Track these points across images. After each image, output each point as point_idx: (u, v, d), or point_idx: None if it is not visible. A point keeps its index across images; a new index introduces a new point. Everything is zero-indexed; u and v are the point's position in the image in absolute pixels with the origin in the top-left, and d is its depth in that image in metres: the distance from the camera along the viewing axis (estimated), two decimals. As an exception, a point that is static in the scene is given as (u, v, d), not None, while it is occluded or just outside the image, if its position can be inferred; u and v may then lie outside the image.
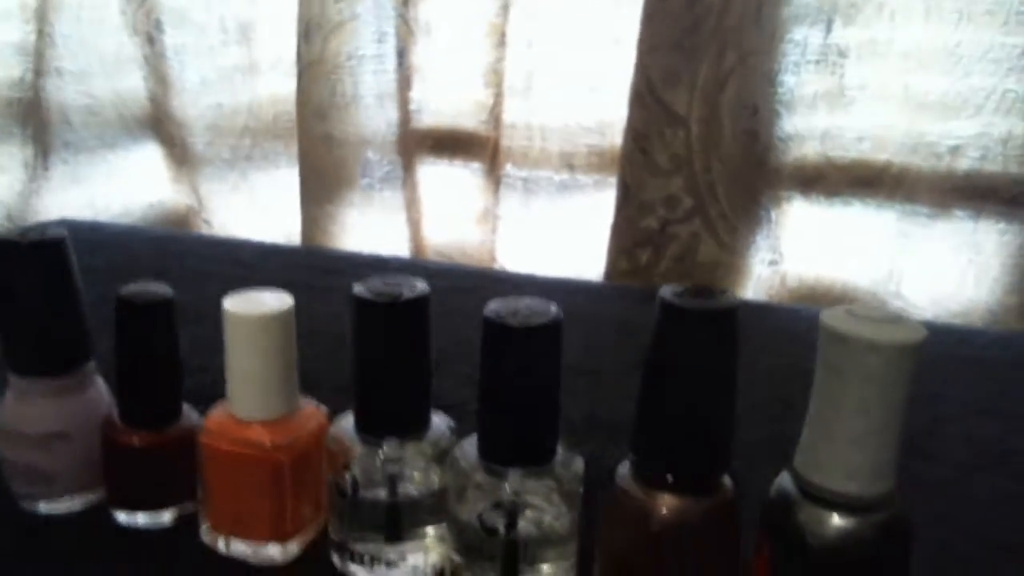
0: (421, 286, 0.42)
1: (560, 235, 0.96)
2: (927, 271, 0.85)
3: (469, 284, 0.85)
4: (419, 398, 0.43)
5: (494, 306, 0.40)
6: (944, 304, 0.86)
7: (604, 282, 0.92)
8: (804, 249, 0.90)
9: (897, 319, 0.37)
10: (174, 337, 0.46)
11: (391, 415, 0.43)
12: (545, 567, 0.42)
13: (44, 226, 0.47)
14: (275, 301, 0.44)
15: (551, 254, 0.97)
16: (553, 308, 0.40)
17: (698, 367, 0.38)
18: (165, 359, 0.46)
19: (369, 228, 0.97)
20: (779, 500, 0.39)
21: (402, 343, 0.42)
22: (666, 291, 0.39)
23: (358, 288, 0.42)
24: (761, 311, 0.84)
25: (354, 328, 0.42)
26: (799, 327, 0.79)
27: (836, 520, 0.37)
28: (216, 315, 0.76)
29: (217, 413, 0.45)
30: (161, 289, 0.46)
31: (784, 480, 0.40)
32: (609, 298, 0.85)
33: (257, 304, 0.43)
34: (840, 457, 0.37)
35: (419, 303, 0.41)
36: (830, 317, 0.37)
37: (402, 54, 0.93)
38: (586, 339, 0.74)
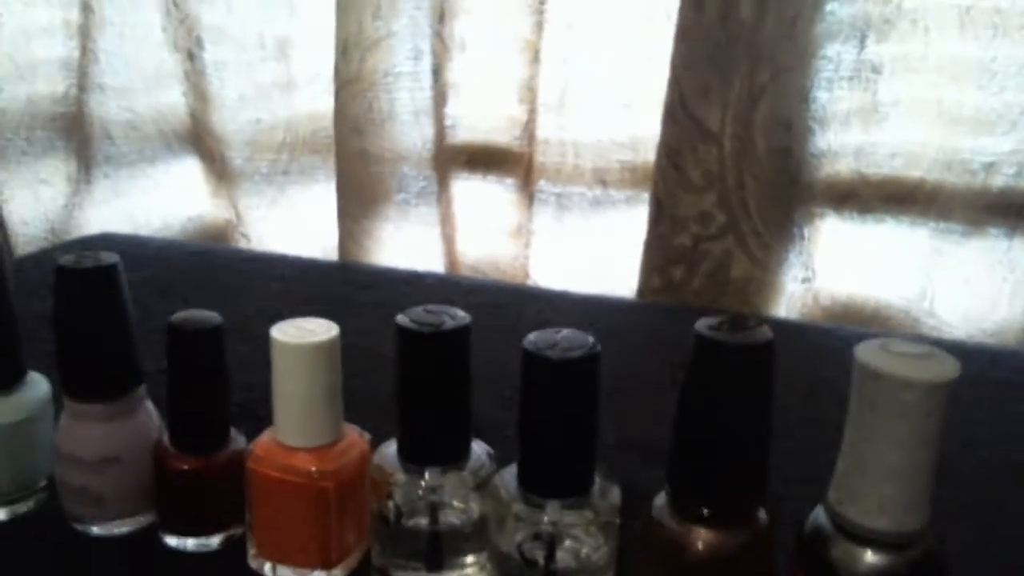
0: (462, 316, 0.43)
1: (593, 251, 0.97)
2: (961, 289, 0.85)
3: (502, 300, 0.86)
4: (460, 428, 0.44)
5: (533, 338, 0.41)
6: (977, 323, 0.85)
7: (637, 299, 0.93)
8: (837, 266, 0.90)
9: (931, 355, 0.38)
10: (223, 363, 0.47)
11: (433, 444, 0.44)
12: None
13: (97, 252, 0.49)
14: (322, 329, 0.45)
15: (584, 270, 0.98)
16: (590, 339, 0.41)
17: (734, 401, 0.39)
18: (214, 385, 0.48)
19: (404, 243, 0.99)
20: (813, 535, 0.40)
21: (444, 372, 0.43)
22: (702, 324, 0.40)
23: (401, 318, 0.43)
24: (794, 329, 0.85)
25: (397, 357, 0.43)
26: (832, 345, 0.79)
27: (870, 557, 0.38)
28: (256, 330, 0.78)
29: (264, 440, 0.46)
30: (210, 316, 0.47)
31: (818, 514, 0.40)
32: (642, 315, 0.86)
33: (305, 333, 0.45)
34: (874, 491, 0.38)
35: (461, 333, 0.43)
36: (864, 353, 0.37)
37: (437, 71, 0.94)
38: (619, 357, 0.75)
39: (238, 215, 1.10)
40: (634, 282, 0.93)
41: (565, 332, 0.42)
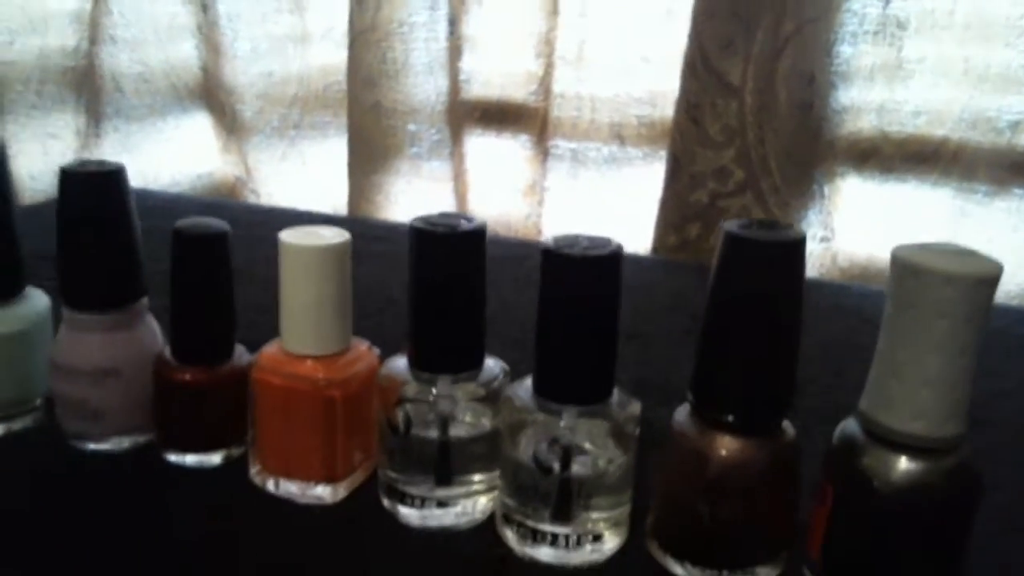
0: (478, 220, 0.42)
1: (608, 208, 0.95)
2: (984, 250, 0.83)
3: (514, 254, 0.84)
4: (473, 336, 0.43)
5: (553, 239, 0.39)
6: (1001, 285, 0.83)
7: (652, 256, 0.91)
8: (857, 226, 0.88)
9: (972, 253, 0.36)
10: (228, 271, 0.46)
11: (444, 351, 0.42)
12: (598, 513, 0.41)
13: (102, 159, 0.47)
14: (332, 234, 0.43)
15: (598, 228, 0.96)
16: (613, 241, 0.39)
17: (763, 300, 0.37)
18: (220, 292, 0.46)
19: (415, 199, 0.97)
20: (843, 444, 0.38)
21: (458, 275, 0.41)
22: (730, 224, 0.38)
23: (416, 220, 0.41)
24: (812, 287, 0.83)
25: (411, 261, 0.41)
26: (850, 302, 0.78)
27: (904, 464, 0.36)
28: (263, 274, 0.76)
29: (270, 349, 0.45)
30: (216, 222, 0.46)
31: (849, 425, 0.39)
32: (657, 271, 0.84)
33: (314, 236, 0.43)
34: (909, 396, 0.36)
35: (476, 235, 0.41)
36: (903, 250, 0.36)
37: (453, 23, 0.92)
38: (634, 307, 0.73)
39: (248, 171, 1.08)
40: (649, 240, 0.91)
41: (587, 234, 0.40)
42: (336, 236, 0.43)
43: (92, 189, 0.46)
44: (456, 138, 0.97)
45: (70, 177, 0.45)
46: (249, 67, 1.03)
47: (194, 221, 0.46)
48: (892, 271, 0.36)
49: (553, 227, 0.99)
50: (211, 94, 1.08)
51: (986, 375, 0.63)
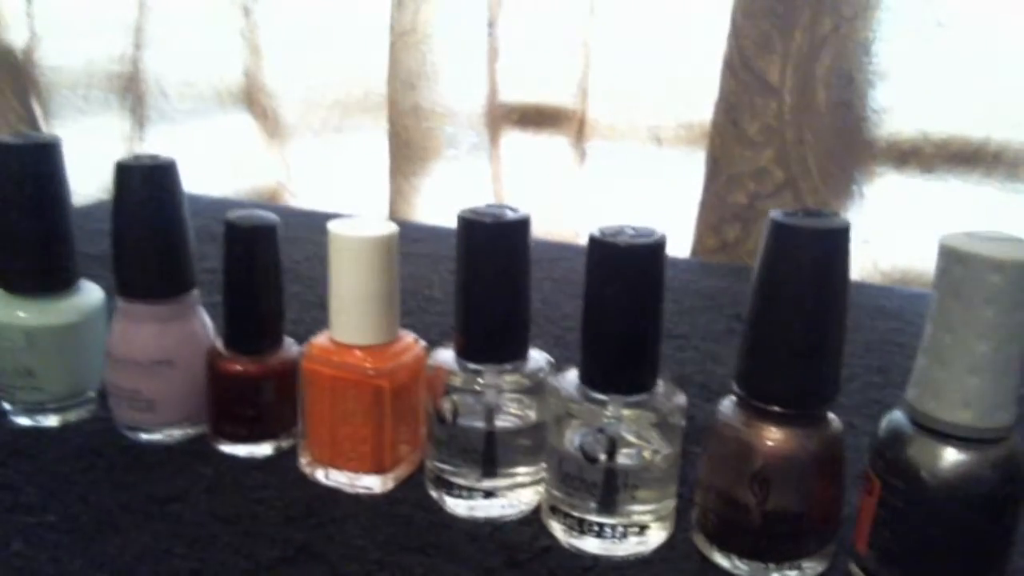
0: (523, 211, 0.42)
1: (646, 210, 0.95)
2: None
3: (553, 255, 0.85)
4: (518, 326, 0.43)
5: (599, 229, 0.40)
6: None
7: (691, 258, 0.91)
8: (897, 227, 0.87)
9: (1019, 240, 0.36)
10: (278, 262, 0.47)
11: (491, 341, 0.43)
12: (643, 505, 0.41)
13: (155, 154, 0.48)
14: (380, 226, 0.44)
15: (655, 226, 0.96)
16: (657, 231, 0.40)
17: (810, 288, 0.37)
18: (269, 283, 0.47)
19: (454, 201, 0.98)
20: (890, 435, 0.38)
21: (504, 264, 0.42)
22: (776, 213, 0.38)
23: (463, 211, 0.42)
24: (854, 289, 0.82)
25: (459, 250, 0.42)
26: (892, 304, 0.77)
27: (951, 454, 0.36)
28: (306, 273, 0.77)
29: (319, 339, 0.46)
30: (267, 215, 0.46)
31: (895, 416, 0.39)
32: (696, 272, 0.84)
33: (362, 228, 0.44)
34: (957, 385, 0.36)
35: (522, 225, 0.41)
36: (950, 238, 0.36)
37: (491, 24, 0.93)
38: (674, 307, 0.73)
39: (289, 173, 1.10)
40: (688, 242, 0.91)
41: (632, 224, 0.41)
42: (384, 227, 0.44)
43: (146, 182, 0.47)
44: (494, 140, 0.98)
45: (125, 170, 0.47)
46: (290, 71, 1.05)
47: (245, 213, 0.47)
48: (939, 259, 0.36)
49: (590, 229, 0.99)
50: (253, 98, 1.09)
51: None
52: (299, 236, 0.82)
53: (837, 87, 0.82)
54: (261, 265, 0.46)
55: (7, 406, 0.51)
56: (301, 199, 1.12)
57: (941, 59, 0.82)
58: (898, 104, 0.83)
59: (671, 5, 0.90)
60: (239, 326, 0.47)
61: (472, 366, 0.43)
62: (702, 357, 0.64)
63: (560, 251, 0.86)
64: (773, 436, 0.39)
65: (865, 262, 0.89)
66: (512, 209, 0.42)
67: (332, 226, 0.44)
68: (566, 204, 0.99)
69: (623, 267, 0.39)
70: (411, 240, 0.90)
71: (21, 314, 0.49)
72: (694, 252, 0.91)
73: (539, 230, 0.99)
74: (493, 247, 0.41)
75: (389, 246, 0.44)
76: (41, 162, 0.50)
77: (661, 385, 0.41)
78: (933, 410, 0.36)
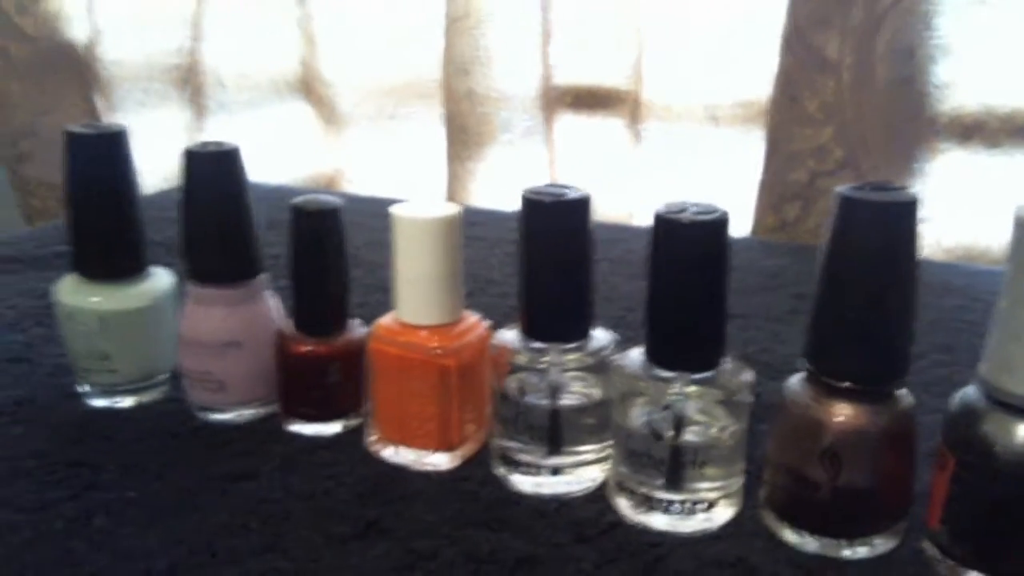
0: (584, 190, 0.42)
1: (704, 191, 0.95)
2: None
3: (611, 236, 0.85)
4: (582, 304, 0.43)
5: (663, 206, 0.40)
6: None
7: (751, 237, 0.90)
8: (961, 204, 0.86)
9: (1099, 211, 0.35)
10: (343, 244, 0.47)
11: (555, 319, 0.43)
12: (710, 483, 0.41)
13: (218, 141, 0.49)
14: (443, 208, 0.44)
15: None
16: (720, 208, 0.40)
17: (879, 262, 0.37)
18: (335, 264, 0.48)
19: (510, 185, 0.98)
20: (963, 411, 0.38)
21: (567, 243, 0.42)
22: (843, 188, 0.38)
23: (526, 191, 0.42)
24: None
25: (521, 230, 0.42)
26: (959, 281, 0.76)
27: (1027, 429, 0.36)
28: (366, 257, 0.78)
29: (386, 320, 0.46)
30: (331, 199, 0.47)
31: (968, 392, 0.38)
32: (757, 252, 0.84)
33: (425, 209, 0.44)
34: (1033, 359, 0.35)
35: (583, 203, 0.42)
36: (1025, 210, 0.35)
37: (545, 8, 0.93)
38: (735, 287, 0.73)
39: (346, 160, 1.11)
40: (748, 222, 0.90)
41: (695, 201, 0.41)
42: (448, 208, 0.44)
43: (213, 168, 0.48)
44: (548, 123, 0.98)
45: (194, 157, 0.48)
46: (346, 59, 1.06)
47: (310, 197, 0.47)
48: (1014, 231, 0.35)
49: (648, 212, 0.99)
50: (309, 86, 1.11)
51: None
52: (358, 222, 0.82)
53: (897, 63, 0.81)
54: (327, 248, 0.47)
55: (85, 388, 0.53)
56: (358, 186, 1.13)
57: (1005, 31, 0.80)
58: (961, 78, 0.82)
59: (726, -18, 0.89)
60: (306, 308, 0.48)
61: (536, 345, 0.43)
62: (765, 336, 0.64)
63: (617, 232, 0.86)
64: (843, 412, 0.38)
65: (929, 239, 0.87)
66: (573, 188, 0.42)
67: (395, 209, 0.44)
68: (622, 186, 0.98)
69: (687, 244, 0.39)
70: (469, 224, 0.89)
71: (94, 299, 0.51)
72: (754, 232, 0.90)
73: (595, 212, 0.99)
74: (555, 226, 0.42)
75: (453, 226, 0.44)
76: (111, 151, 0.51)
77: (728, 362, 0.41)
78: (1007, 384, 0.36)
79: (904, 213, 0.37)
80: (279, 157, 1.12)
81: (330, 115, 1.09)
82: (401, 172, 1.10)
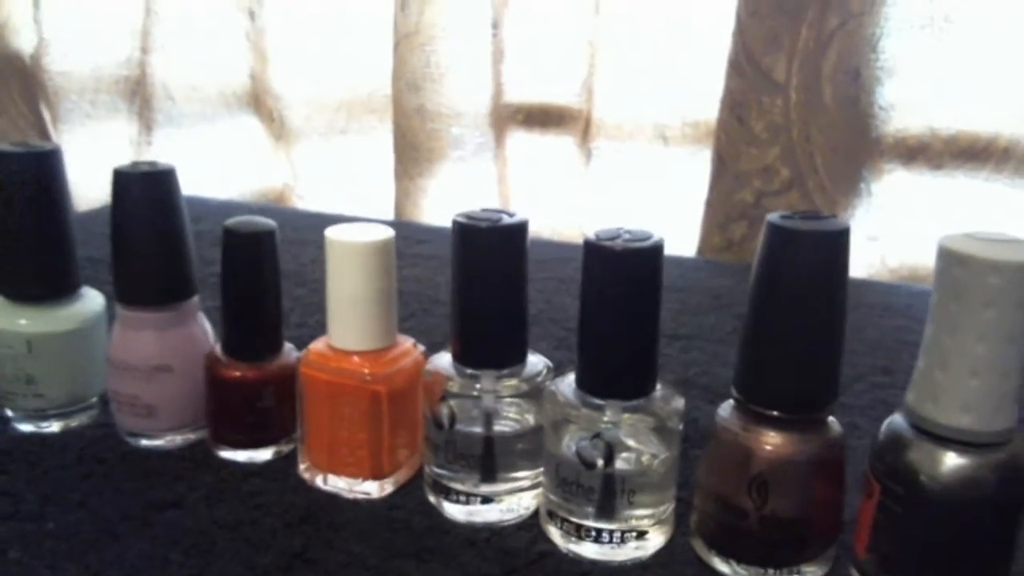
0: (519, 216, 0.42)
1: (652, 210, 0.95)
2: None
3: (559, 255, 0.84)
4: (516, 330, 0.43)
5: (595, 232, 0.40)
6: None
7: (698, 257, 0.90)
8: (906, 224, 0.87)
9: (1019, 241, 0.35)
10: (276, 267, 0.47)
11: (488, 346, 0.43)
12: (642, 510, 0.41)
13: (154, 161, 0.48)
14: (377, 231, 0.44)
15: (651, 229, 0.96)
16: (654, 234, 0.39)
17: (807, 292, 0.37)
18: (268, 289, 0.47)
19: (460, 202, 0.98)
20: (890, 439, 0.38)
21: (501, 269, 0.42)
22: (773, 216, 0.38)
23: (459, 215, 0.41)
24: (861, 286, 0.82)
25: (454, 255, 0.42)
26: (900, 302, 0.77)
27: (951, 458, 0.36)
28: (310, 276, 0.77)
29: (317, 344, 0.46)
30: (264, 221, 0.46)
31: (895, 420, 0.38)
32: (703, 272, 0.84)
33: (359, 233, 0.44)
34: (957, 388, 0.35)
35: (518, 229, 0.41)
36: (949, 239, 0.35)
37: (496, 25, 0.93)
38: (680, 307, 0.73)
39: (295, 175, 1.10)
40: (695, 241, 0.91)
41: (628, 227, 0.40)
42: (381, 233, 0.44)
43: (144, 188, 0.47)
44: (499, 141, 0.98)
45: (123, 177, 0.47)
46: (296, 73, 1.05)
47: (243, 219, 0.46)
48: (938, 260, 0.35)
49: (597, 228, 0.99)
50: (259, 101, 1.10)
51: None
52: (306, 239, 0.82)
53: (844, 84, 0.81)
54: (259, 272, 0.46)
55: (9, 413, 0.51)
56: (308, 201, 1.12)
57: (949, 54, 0.81)
58: (906, 100, 0.83)
59: (676, 3, 0.89)
60: (238, 332, 0.47)
61: (470, 371, 0.43)
62: (707, 358, 0.64)
63: (566, 251, 0.86)
64: (771, 441, 0.38)
65: (873, 259, 0.88)
66: (508, 214, 0.42)
67: (329, 232, 0.44)
68: (572, 204, 0.98)
69: (619, 271, 0.38)
70: (416, 241, 0.90)
71: (22, 321, 0.50)
72: (700, 251, 0.90)
73: (545, 230, 0.99)
74: (489, 252, 0.41)
75: (385, 251, 0.44)
76: (42, 171, 0.50)
77: (659, 389, 0.41)
78: (933, 414, 0.36)
79: (832, 243, 0.37)
80: (228, 171, 1.10)
81: (280, 129, 1.08)
82: (352, 187, 1.09)
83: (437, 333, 0.65)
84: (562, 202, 0.98)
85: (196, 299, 0.50)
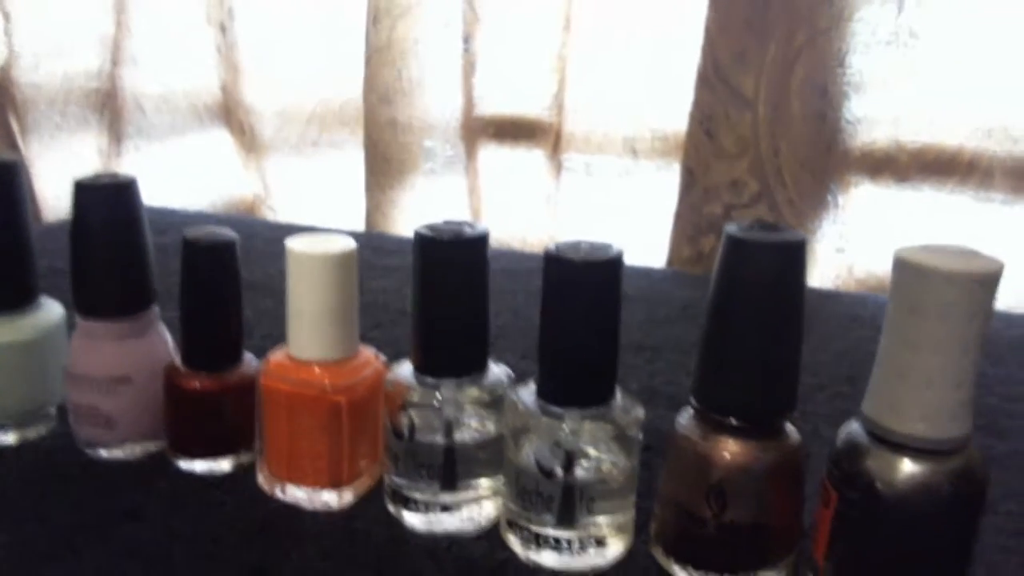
0: (481, 227, 0.42)
1: (622, 222, 0.95)
2: (1004, 259, 0.82)
3: (528, 266, 0.84)
4: (476, 340, 0.43)
5: (555, 245, 0.40)
6: (1020, 294, 0.82)
7: (667, 268, 0.91)
8: (872, 236, 0.87)
9: (974, 253, 0.36)
10: (237, 279, 0.46)
11: (449, 356, 0.43)
12: (602, 518, 0.41)
13: (115, 173, 0.48)
14: (338, 242, 0.44)
15: (613, 241, 0.96)
16: (614, 247, 0.40)
17: (764, 302, 0.37)
18: (228, 300, 0.47)
19: (431, 214, 0.98)
20: (846, 447, 0.38)
21: (462, 280, 0.42)
22: (731, 227, 0.38)
23: (420, 228, 0.41)
24: (828, 298, 0.83)
25: (415, 267, 0.42)
26: (866, 313, 0.77)
27: (907, 466, 0.36)
28: (279, 286, 0.77)
29: (277, 355, 0.45)
30: (225, 231, 0.46)
31: (852, 427, 0.38)
32: (671, 283, 0.84)
33: (321, 244, 0.43)
34: (912, 397, 0.36)
35: (479, 241, 0.41)
36: (905, 251, 0.36)
37: (467, 39, 0.93)
38: (646, 318, 0.73)
39: (266, 187, 1.10)
40: (664, 253, 0.91)
41: (589, 240, 0.41)
42: (342, 243, 0.44)
43: (104, 200, 0.46)
44: (471, 153, 0.98)
45: (83, 189, 0.46)
46: (267, 86, 1.05)
47: (204, 230, 0.46)
48: (894, 272, 0.36)
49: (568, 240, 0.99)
50: (230, 113, 1.09)
51: (1001, 383, 0.63)
52: (275, 250, 0.81)
53: (812, 99, 0.82)
54: (219, 283, 0.46)
55: (-35, 424, 0.51)
56: (279, 213, 1.12)
57: (915, 69, 0.82)
58: (872, 114, 0.84)
59: (646, 18, 0.90)
60: (197, 343, 0.47)
61: (430, 380, 0.43)
62: (673, 368, 0.64)
63: (535, 263, 0.86)
64: (729, 449, 0.39)
65: (840, 270, 0.89)
66: (470, 225, 0.42)
67: (290, 242, 0.44)
68: (543, 216, 0.99)
69: (578, 283, 0.39)
70: (386, 253, 0.90)
71: (-21, 331, 0.49)
72: (669, 263, 0.91)
73: (515, 242, 0.99)
74: (449, 264, 0.41)
75: (346, 262, 0.44)
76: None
77: (620, 398, 0.41)
78: (888, 422, 0.36)
79: (790, 254, 0.37)
80: (198, 183, 1.10)
81: (251, 142, 1.08)
82: (324, 200, 1.09)
83: (403, 344, 0.64)
84: (533, 214, 0.99)
85: (156, 310, 0.49)
